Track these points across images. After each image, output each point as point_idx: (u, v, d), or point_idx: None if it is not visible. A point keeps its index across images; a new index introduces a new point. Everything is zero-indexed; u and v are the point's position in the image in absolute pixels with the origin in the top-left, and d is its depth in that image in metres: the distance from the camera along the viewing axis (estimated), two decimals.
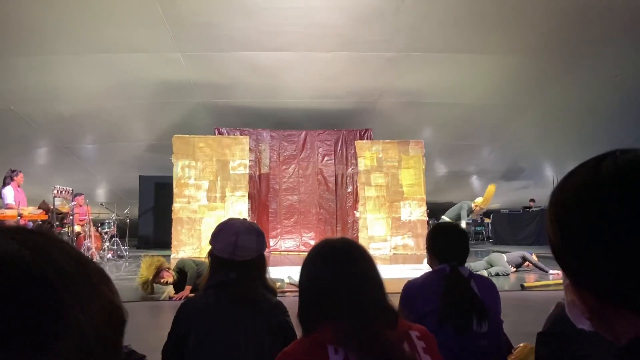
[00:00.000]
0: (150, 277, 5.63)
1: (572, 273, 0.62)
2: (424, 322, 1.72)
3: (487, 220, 17.21)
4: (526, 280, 6.81)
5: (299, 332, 1.73)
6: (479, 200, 9.13)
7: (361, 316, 1.12)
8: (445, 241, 2.07)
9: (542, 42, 10.26)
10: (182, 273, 5.75)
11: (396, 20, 9.64)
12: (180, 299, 5.43)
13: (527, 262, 7.84)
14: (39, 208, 8.49)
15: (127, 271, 8.29)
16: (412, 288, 1.97)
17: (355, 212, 7.53)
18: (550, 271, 7.37)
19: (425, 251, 2.21)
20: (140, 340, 3.44)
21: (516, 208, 16.55)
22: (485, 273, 7.03)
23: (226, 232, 1.73)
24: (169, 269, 5.78)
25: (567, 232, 0.60)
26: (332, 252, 1.23)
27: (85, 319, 0.43)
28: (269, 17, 9.42)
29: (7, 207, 8.11)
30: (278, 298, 1.83)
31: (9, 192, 8.27)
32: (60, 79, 10.74)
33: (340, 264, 1.20)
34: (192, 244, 10.90)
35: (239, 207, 11.21)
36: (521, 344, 2.21)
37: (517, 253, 7.98)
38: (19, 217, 7.66)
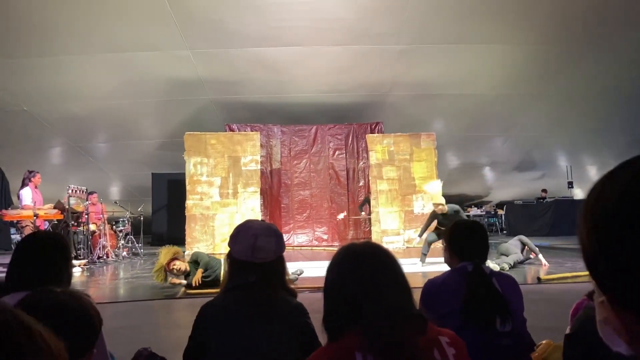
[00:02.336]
0: (165, 263, 5.71)
1: (610, 288, 0.55)
2: (445, 322, 1.70)
3: (500, 212, 17.07)
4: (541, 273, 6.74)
5: (320, 335, 1.73)
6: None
7: (389, 322, 1.10)
8: (467, 239, 2.02)
9: (554, 30, 10.11)
10: (196, 264, 5.82)
11: (406, 12, 9.55)
12: (196, 283, 5.51)
13: (526, 247, 7.77)
14: (55, 207, 8.58)
15: (142, 269, 8.36)
16: (432, 288, 1.94)
17: (362, 212, 7.42)
18: (540, 255, 7.51)
19: (443, 249, 2.17)
20: (159, 340, 3.47)
21: (530, 199, 16.37)
22: (505, 266, 6.99)
23: (245, 234, 1.72)
24: (183, 260, 5.87)
25: (607, 242, 0.53)
26: (358, 257, 1.20)
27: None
28: (278, 12, 9.39)
29: (24, 207, 8.20)
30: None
31: (26, 193, 8.38)
32: (72, 79, 10.82)
33: (366, 269, 1.17)
34: (205, 240, 10.96)
35: (251, 203, 11.24)
36: (544, 341, 2.17)
37: (514, 240, 7.92)
38: (35, 217, 7.75)
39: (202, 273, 5.68)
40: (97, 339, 1.10)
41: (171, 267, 5.72)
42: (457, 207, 7.98)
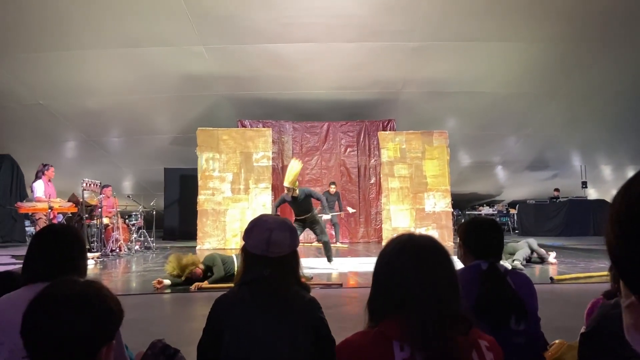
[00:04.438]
0: (183, 276, 5.77)
1: None
2: None
3: (512, 211, 16.95)
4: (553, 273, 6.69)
5: (335, 327, 1.73)
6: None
7: (435, 317, 1.11)
8: (482, 237, 2.01)
9: (570, 28, 9.99)
10: (210, 267, 5.87)
11: (419, 9, 9.50)
12: (195, 288, 5.60)
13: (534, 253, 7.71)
14: (69, 201, 8.68)
15: (154, 263, 8.43)
16: None
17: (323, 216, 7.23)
18: (551, 257, 7.51)
19: (457, 246, 2.16)
20: (173, 332, 3.50)
21: (542, 198, 16.24)
22: (518, 264, 6.95)
23: (259, 229, 1.73)
24: (200, 266, 5.90)
25: (636, 240, 0.52)
26: (420, 249, 1.22)
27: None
28: (291, 8, 9.39)
29: (37, 200, 8.31)
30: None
31: (39, 186, 8.48)
32: (87, 74, 10.92)
33: (427, 262, 1.19)
34: (217, 235, 11.02)
35: (262, 199, 11.27)
36: (557, 341, 2.16)
37: (522, 242, 7.85)
38: (49, 210, 7.84)
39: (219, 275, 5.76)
40: (117, 330, 1.11)
41: (191, 275, 5.79)
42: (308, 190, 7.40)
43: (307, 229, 7.36)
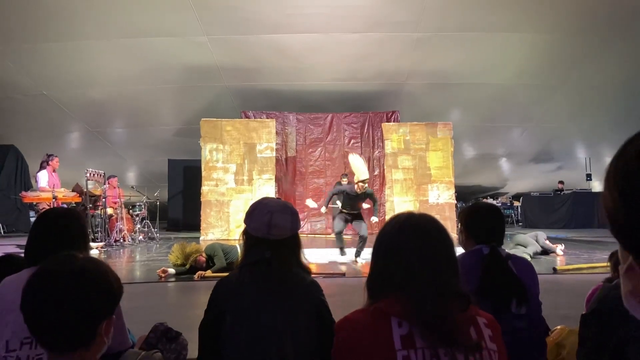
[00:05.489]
0: (187, 264, 5.82)
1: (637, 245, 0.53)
2: None
3: (516, 204, 16.91)
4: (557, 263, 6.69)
5: (338, 315, 1.73)
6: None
7: (434, 294, 1.12)
8: (484, 221, 2.00)
9: (574, 20, 9.92)
10: (212, 257, 5.91)
11: (424, 0, 9.44)
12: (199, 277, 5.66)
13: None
14: (73, 191, 8.71)
15: (158, 253, 8.46)
16: None
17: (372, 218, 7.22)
18: (558, 249, 7.53)
19: (458, 232, 2.16)
20: (176, 319, 3.51)
21: (547, 191, 16.19)
22: (527, 256, 6.94)
23: (260, 211, 1.74)
24: (202, 254, 5.94)
25: (633, 203, 0.52)
26: (420, 226, 1.23)
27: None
28: None
29: (41, 190, 8.34)
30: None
31: (42, 176, 8.51)
32: (90, 64, 10.93)
33: (425, 240, 1.20)
34: (220, 226, 11.05)
35: (266, 190, 11.28)
36: (559, 327, 2.17)
37: (531, 234, 7.84)
38: (54, 200, 7.88)
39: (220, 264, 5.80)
40: (117, 305, 1.11)
41: (195, 263, 5.84)
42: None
43: (351, 223, 7.35)
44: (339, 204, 8.17)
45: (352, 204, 7.16)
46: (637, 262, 0.54)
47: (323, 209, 7.79)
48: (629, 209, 0.53)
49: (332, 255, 7.44)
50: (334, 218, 8.16)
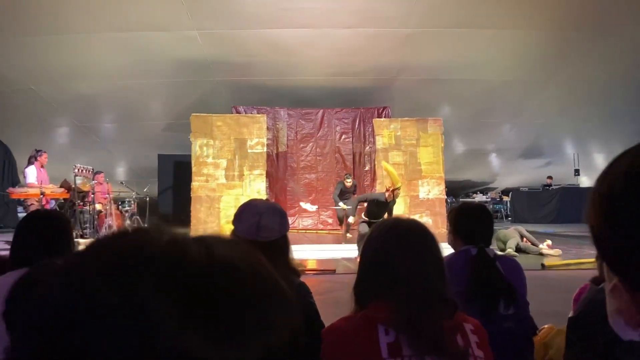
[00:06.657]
0: None
1: (625, 271, 0.51)
2: None
3: (505, 199, 17.03)
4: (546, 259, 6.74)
5: (329, 313, 1.73)
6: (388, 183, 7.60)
7: (421, 301, 1.12)
8: (471, 222, 2.01)
9: (564, 17, 9.96)
10: None
11: None
12: None
13: (524, 238, 7.74)
14: (61, 187, 8.63)
15: None
16: None
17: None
18: (541, 245, 7.51)
19: (448, 232, 2.17)
20: None
21: (536, 186, 16.32)
22: (511, 252, 7.00)
23: (249, 213, 1.73)
24: None
25: (618, 229, 0.50)
26: (407, 233, 1.22)
27: None
28: None
29: (29, 185, 8.26)
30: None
31: (31, 172, 8.42)
32: (78, 58, 10.79)
33: (413, 247, 1.19)
34: (211, 222, 10.99)
35: (257, 186, 11.24)
36: (546, 326, 2.18)
37: (512, 229, 7.89)
38: (41, 196, 7.80)
39: None
40: None
41: None
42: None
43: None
44: (342, 205, 8.19)
45: (379, 211, 7.05)
46: (622, 283, 0.53)
47: (351, 219, 7.76)
48: (614, 235, 0.52)
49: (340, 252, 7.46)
50: (340, 220, 8.08)
